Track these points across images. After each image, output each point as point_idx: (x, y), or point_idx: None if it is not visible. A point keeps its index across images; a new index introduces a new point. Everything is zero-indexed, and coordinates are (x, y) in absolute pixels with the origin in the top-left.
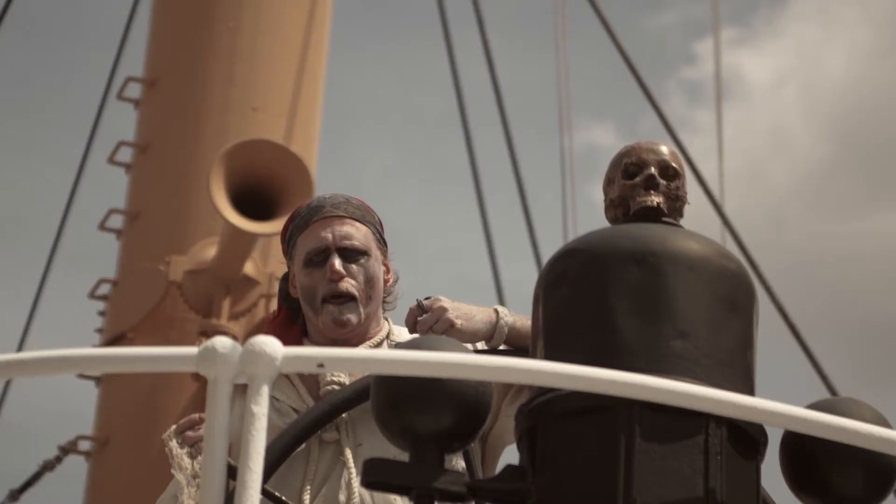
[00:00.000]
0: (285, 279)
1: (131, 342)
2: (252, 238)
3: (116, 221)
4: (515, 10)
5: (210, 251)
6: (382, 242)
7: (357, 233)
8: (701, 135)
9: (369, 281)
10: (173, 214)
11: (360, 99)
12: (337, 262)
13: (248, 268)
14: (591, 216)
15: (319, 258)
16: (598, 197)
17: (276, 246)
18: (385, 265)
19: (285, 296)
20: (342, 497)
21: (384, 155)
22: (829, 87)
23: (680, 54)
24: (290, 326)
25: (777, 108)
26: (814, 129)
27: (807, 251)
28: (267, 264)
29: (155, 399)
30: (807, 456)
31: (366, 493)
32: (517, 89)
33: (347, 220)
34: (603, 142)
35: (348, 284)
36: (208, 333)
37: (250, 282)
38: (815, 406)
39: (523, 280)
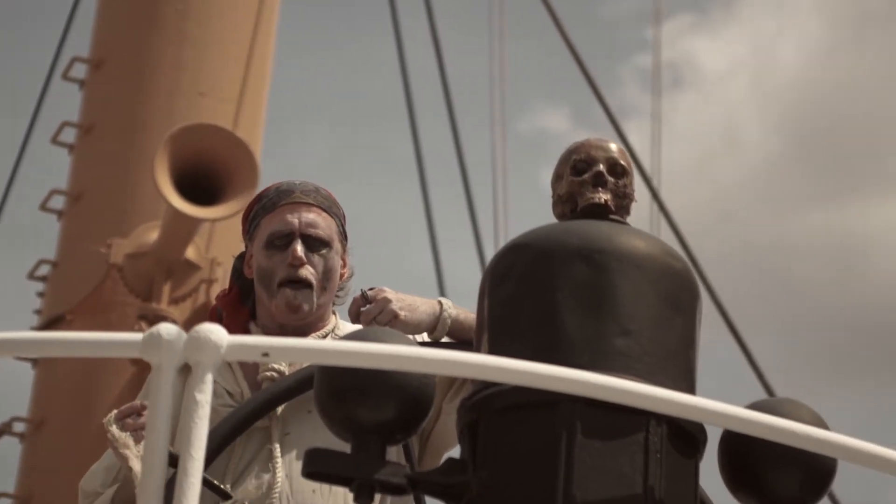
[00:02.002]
0: (241, 258)
1: (70, 324)
2: (195, 223)
3: (58, 202)
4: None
5: (152, 235)
6: (344, 236)
7: (323, 222)
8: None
9: (327, 273)
10: (116, 197)
11: (305, 85)
12: (299, 248)
13: (190, 252)
14: (537, 202)
15: (282, 242)
16: (547, 182)
17: (219, 231)
18: (343, 259)
19: (238, 275)
20: (263, 485)
21: (328, 142)
22: (780, 79)
23: (635, 41)
24: (240, 307)
25: (729, 96)
26: (764, 120)
27: (753, 244)
28: (209, 249)
29: (92, 382)
30: (745, 455)
31: (285, 483)
32: (464, 79)
33: (315, 209)
34: (557, 127)
35: (307, 272)
36: (148, 317)
37: (191, 266)
38: (754, 406)
39: (465, 271)
